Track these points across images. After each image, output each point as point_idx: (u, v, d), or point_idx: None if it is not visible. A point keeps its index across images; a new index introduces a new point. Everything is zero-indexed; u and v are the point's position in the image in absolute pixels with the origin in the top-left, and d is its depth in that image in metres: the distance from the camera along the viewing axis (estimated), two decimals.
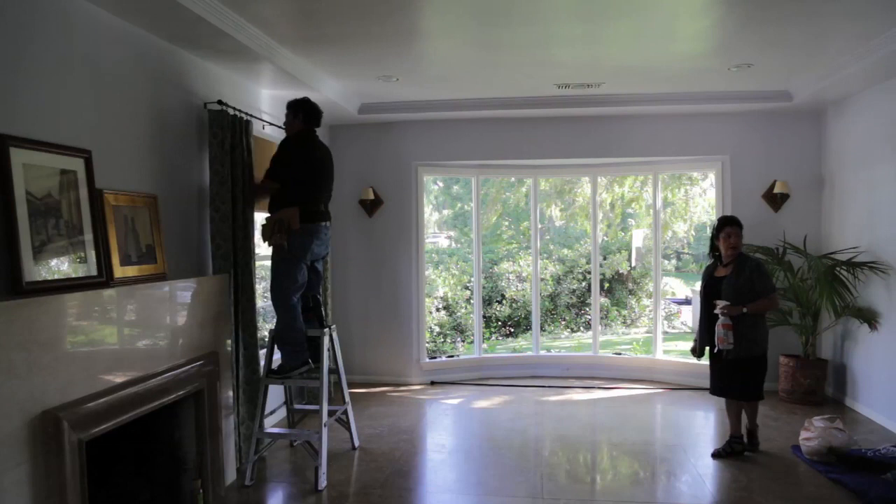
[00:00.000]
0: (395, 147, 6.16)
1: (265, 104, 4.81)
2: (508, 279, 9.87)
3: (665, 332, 8.35)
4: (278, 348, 3.96)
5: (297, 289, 3.87)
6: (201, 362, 3.42)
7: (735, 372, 4.06)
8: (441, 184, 10.41)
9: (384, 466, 4.07)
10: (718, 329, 4.01)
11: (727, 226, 4.16)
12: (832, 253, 5.32)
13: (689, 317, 10.79)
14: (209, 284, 3.63)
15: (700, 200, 10.05)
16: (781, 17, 3.60)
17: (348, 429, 4.40)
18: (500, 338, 9.63)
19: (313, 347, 3.95)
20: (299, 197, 3.80)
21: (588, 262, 9.02)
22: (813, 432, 4.08)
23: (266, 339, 4.10)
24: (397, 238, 6.22)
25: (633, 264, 10.27)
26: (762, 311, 4.05)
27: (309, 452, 4.02)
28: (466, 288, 9.18)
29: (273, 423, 4.72)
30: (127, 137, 3.27)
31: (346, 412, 4.37)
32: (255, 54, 3.86)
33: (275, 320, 3.93)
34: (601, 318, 8.55)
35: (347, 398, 4.42)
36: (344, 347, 4.95)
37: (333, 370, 4.29)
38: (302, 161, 3.84)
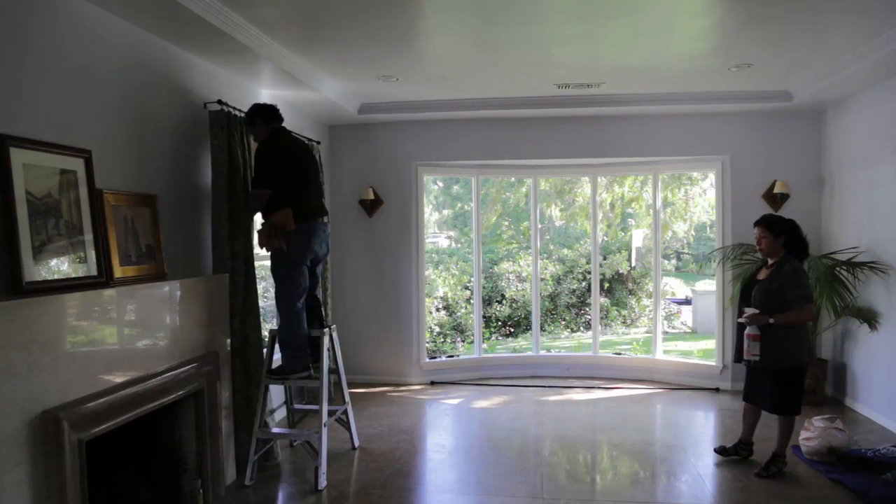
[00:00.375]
0: (394, 147, 6.16)
1: None
2: (508, 279, 9.87)
3: (665, 332, 8.36)
4: (280, 350, 3.95)
5: (300, 293, 3.83)
6: (201, 362, 3.42)
7: (766, 381, 3.82)
8: (441, 184, 10.41)
9: (384, 466, 4.07)
10: (745, 339, 3.75)
11: (755, 227, 3.91)
12: (832, 253, 5.32)
13: (689, 317, 10.80)
14: (209, 284, 3.63)
15: (700, 200, 10.05)
16: (782, 15, 3.59)
17: (348, 429, 4.40)
18: (500, 338, 9.63)
19: (313, 347, 3.95)
20: (289, 197, 3.72)
21: (588, 262, 9.02)
22: (813, 432, 4.07)
23: (266, 339, 4.10)
24: (397, 238, 6.22)
25: (633, 264, 10.27)
26: (792, 322, 3.69)
27: (309, 452, 4.02)
28: (466, 288, 9.18)
29: (273, 423, 4.71)
30: (127, 137, 3.27)
31: (346, 412, 4.37)
32: (255, 54, 3.86)
33: (275, 320, 3.92)
34: (601, 318, 8.55)
35: (347, 398, 4.42)
36: (344, 347, 4.95)
37: (333, 370, 4.29)
38: (280, 162, 3.75)
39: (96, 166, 2.93)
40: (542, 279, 9.31)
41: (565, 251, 10.28)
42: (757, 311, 3.74)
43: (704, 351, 8.16)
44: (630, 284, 10.19)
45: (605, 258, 9.89)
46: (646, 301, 9.97)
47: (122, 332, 2.89)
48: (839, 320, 5.22)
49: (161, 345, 3.17)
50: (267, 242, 3.73)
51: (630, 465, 4.21)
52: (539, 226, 7.35)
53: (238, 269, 3.94)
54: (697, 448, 4.43)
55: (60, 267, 2.70)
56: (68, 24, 2.86)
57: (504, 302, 9.75)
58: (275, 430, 4.25)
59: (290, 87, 4.59)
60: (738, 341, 3.90)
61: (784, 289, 3.72)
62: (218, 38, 3.55)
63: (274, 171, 3.75)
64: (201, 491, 3.32)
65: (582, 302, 9.85)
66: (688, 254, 11.75)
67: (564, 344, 9.50)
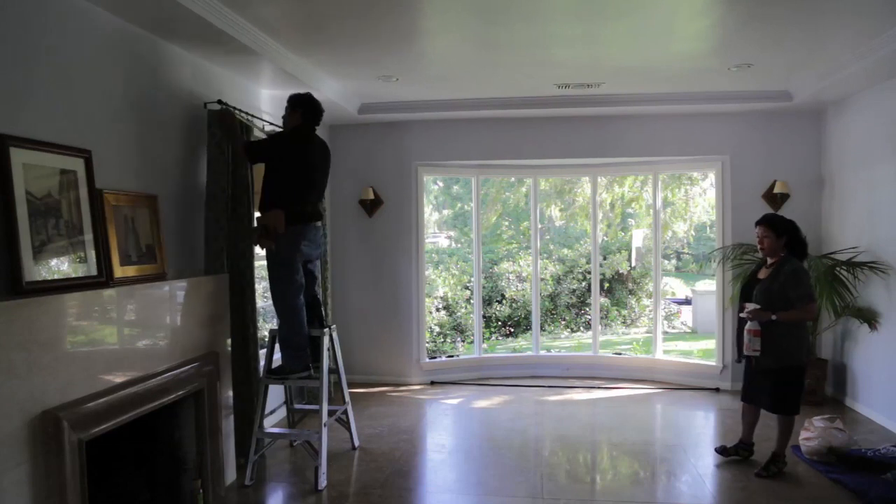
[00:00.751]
0: (395, 147, 6.16)
1: (265, 104, 4.81)
2: (508, 279, 9.87)
3: (665, 332, 8.36)
4: (280, 350, 3.95)
5: (296, 291, 3.82)
6: (201, 362, 3.42)
7: (765, 381, 3.82)
8: (441, 184, 10.41)
9: (384, 466, 4.07)
10: (746, 334, 3.76)
11: (756, 226, 3.92)
12: (832, 253, 5.32)
13: (689, 317, 10.80)
14: (209, 284, 3.63)
15: (700, 200, 10.06)
16: (782, 15, 3.59)
17: (348, 429, 4.40)
18: (500, 338, 9.63)
19: (313, 347, 3.94)
20: (286, 198, 3.71)
21: (588, 262, 9.02)
22: (813, 432, 4.07)
23: (266, 339, 4.10)
24: (397, 238, 6.22)
25: (633, 264, 10.28)
26: (794, 321, 3.72)
27: (309, 452, 4.02)
28: (466, 288, 9.18)
29: (273, 423, 4.72)
30: (127, 137, 3.27)
31: (346, 412, 4.37)
32: (255, 54, 3.86)
33: (276, 320, 3.92)
34: (601, 318, 8.56)
35: (347, 398, 4.42)
36: (344, 347, 4.95)
37: (333, 370, 4.29)
38: (294, 159, 3.75)
39: (96, 166, 2.93)
40: (542, 279, 9.32)
41: (565, 251, 10.28)
42: (758, 307, 3.74)
43: (704, 351, 8.16)
44: (630, 284, 10.19)
45: (605, 258, 9.89)
46: (646, 301, 9.97)
47: (122, 332, 2.89)
48: (839, 320, 5.22)
49: (161, 345, 3.17)
50: (258, 241, 3.79)
51: (630, 465, 4.21)
52: (539, 226, 7.35)
53: (237, 268, 3.94)
54: (697, 448, 4.43)
55: (60, 267, 2.70)
56: (68, 24, 2.86)
57: (504, 302, 9.75)
58: (275, 430, 4.26)
59: (291, 86, 4.58)
60: (739, 339, 3.90)
61: (786, 288, 3.71)
62: (218, 38, 3.55)
63: (282, 162, 3.75)
64: (201, 491, 3.32)
65: (582, 302, 9.85)
66: (688, 254, 11.75)
67: (564, 344, 9.50)
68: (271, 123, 4.72)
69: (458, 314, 9.10)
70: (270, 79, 4.49)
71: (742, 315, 3.85)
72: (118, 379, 2.81)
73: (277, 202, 3.71)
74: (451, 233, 10.92)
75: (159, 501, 3.36)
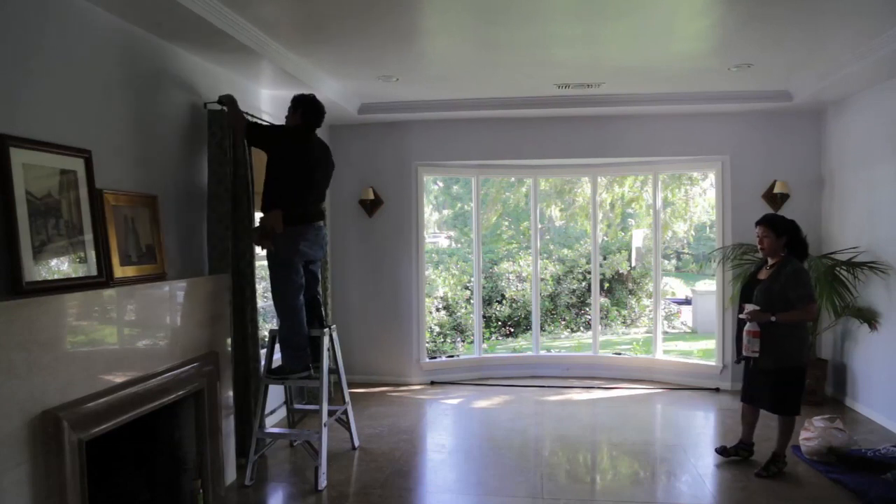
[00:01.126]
0: (395, 147, 6.16)
1: (265, 104, 4.81)
2: (508, 279, 9.87)
3: (665, 332, 8.36)
4: (280, 350, 3.96)
5: (296, 291, 3.82)
6: (201, 362, 3.42)
7: (765, 381, 3.81)
8: (441, 184, 10.41)
9: (384, 466, 4.07)
10: (745, 335, 3.75)
11: (756, 226, 3.91)
12: (832, 253, 5.32)
13: (689, 317, 10.80)
14: (209, 284, 3.63)
15: (700, 200, 10.06)
16: (782, 15, 3.59)
17: (348, 429, 4.40)
18: (500, 338, 9.63)
19: (313, 347, 3.94)
20: (285, 198, 3.71)
21: (588, 262, 9.02)
22: (813, 432, 4.07)
23: (266, 339, 4.10)
24: (397, 238, 6.21)
25: (633, 264, 10.28)
26: (794, 321, 3.70)
27: (309, 452, 4.02)
28: (466, 288, 9.18)
29: (273, 423, 4.72)
30: (127, 137, 3.27)
31: (346, 412, 4.37)
32: (256, 54, 3.86)
33: (276, 320, 3.92)
34: (601, 318, 8.56)
35: (347, 398, 4.42)
36: (344, 347, 4.95)
37: (333, 370, 4.29)
38: (293, 159, 3.75)
39: (96, 166, 2.93)
40: (542, 279, 9.32)
41: (565, 251, 10.28)
42: (758, 308, 3.74)
43: (704, 351, 8.16)
44: (630, 284, 10.19)
45: (605, 258, 9.89)
46: (646, 301, 9.97)
47: (122, 332, 2.89)
48: (839, 320, 5.22)
49: (161, 345, 3.17)
50: (258, 242, 3.80)
51: (630, 465, 4.21)
52: (539, 226, 7.35)
53: (237, 268, 3.94)
54: (697, 448, 4.43)
55: (60, 267, 2.70)
56: (68, 24, 2.86)
57: (504, 302, 9.75)
58: (275, 430, 4.25)
59: (291, 86, 4.59)
60: (738, 340, 3.90)
61: (786, 289, 3.71)
62: (218, 38, 3.55)
63: (277, 159, 3.76)
64: (201, 491, 3.32)
65: (582, 302, 9.85)
66: (688, 254, 11.76)
67: (564, 344, 9.50)
68: (271, 124, 4.72)
69: (458, 314, 9.10)
70: (270, 79, 4.49)
71: (741, 316, 3.84)
72: (118, 379, 2.81)
73: (277, 202, 3.71)
74: (451, 233, 10.92)
75: (159, 501, 3.36)
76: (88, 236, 2.86)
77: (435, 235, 10.59)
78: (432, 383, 6.27)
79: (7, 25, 2.53)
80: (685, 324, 10.72)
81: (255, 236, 3.82)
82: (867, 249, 4.99)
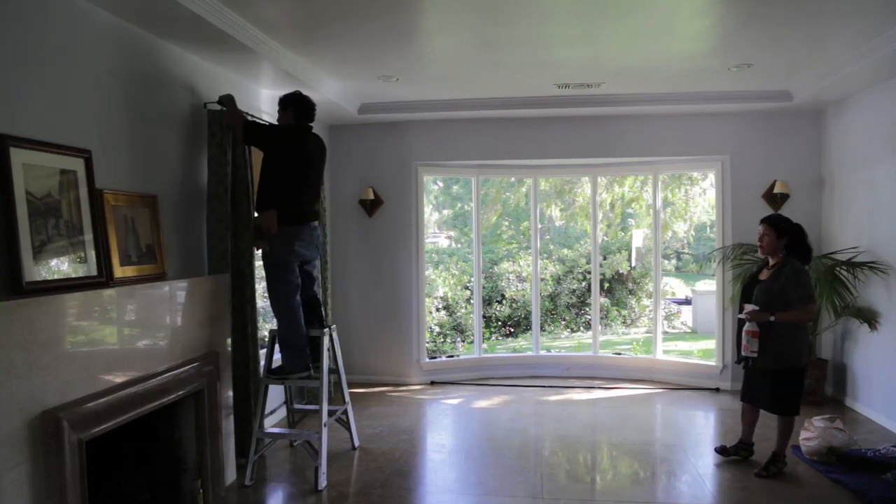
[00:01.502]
0: (395, 147, 6.16)
1: (265, 104, 4.81)
2: (508, 279, 9.87)
3: (665, 332, 8.36)
4: (280, 350, 3.96)
5: (292, 291, 3.82)
6: (201, 362, 3.42)
7: (765, 381, 3.81)
8: (441, 184, 10.40)
9: (384, 466, 4.07)
10: (744, 335, 3.76)
11: (760, 224, 3.90)
12: (832, 253, 5.32)
13: (689, 317, 10.80)
14: (209, 284, 3.63)
15: (700, 200, 10.06)
16: (782, 15, 3.59)
17: (348, 429, 4.40)
18: (500, 338, 9.63)
19: (313, 347, 3.94)
20: (280, 198, 3.71)
21: (588, 262, 9.02)
22: (813, 432, 4.07)
23: (266, 339, 4.10)
24: (397, 238, 6.21)
25: (633, 264, 10.27)
26: (793, 321, 3.69)
27: (309, 452, 4.02)
28: (466, 288, 9.18)
29: (273, 423, 4.72)
30: (127, 137, 3.27)
31: (346, 412, 4.37)
32: (255, 54, 3.86)
33: (275, 321, 3.92)
34: (601, 318, 8.55)
35: (347, 398, 4.42)
36: (344, 347, 4.95)
37: (333, 370, 4.29)
38: (289, 158, 3.74)
39: (96, 166, 2.93)
40: (542, 279, 9.31)
41: (565, 251, 10.28)
42: (757, 308, 3.74)
43: (704, 351, 8.16)
44: (630, 284, 10.19)
45: (605, 258, 9.89)
46: (646, 301, 9.97)
47: (122, 332, 2.89)
48: (839, 320, 5.22)
49: (161, 345, 3.17)
50: (252, 242, 3.82)
51: (630, 465, 4.21)
52: (539, 226, 7.35)
53: (237, 268, 3.94)
54: (697, 448, 4.43)
55: (60, 267, 2.70)
56: (68, 24, 2.86)
57: (504, 302, 9.75)
58: (275, 430, 4.25)
59: (291, 86, 4.57)
60: (738, 340, 3.90)
61: (786, 289, 3.71)
62: (218, 38, 3.55)
63: (273, 158, 3.75)
64: (201, 491, 3.32)
65: (582, 302, 9.85)
66: (688, 254, 11.75)
67: (564, 344, 9.50)
68: (271, 123, 4.72)
69: (458, 314, 9.10)
70: (270, 78, 4.49)
71: (741, 316, 3.85)
72: (118, 379, 2.81)
73: (272, 202, 3.71)
74: (451, 233, 10.92)
75: (159, 501, 3.35)
76: (88, 236, 2.86)
77: (435, 235, 10.59)
78: (432, 383, 6.27)
79: (7, 25, 2.53)
80: (685, 324, 10.72)
81: (250, 237, 3.83)
82: (867, 249, 4.99)
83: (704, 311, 9.59)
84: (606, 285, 10.01)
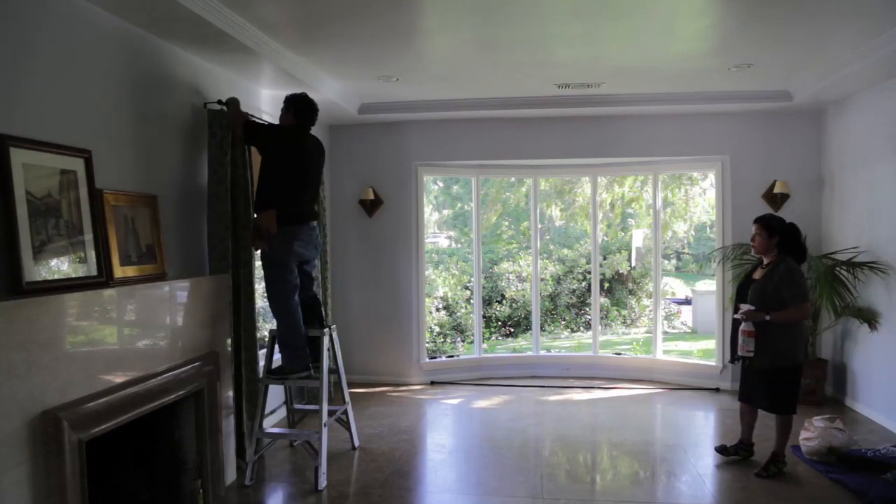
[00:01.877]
0: (395, 147, 6.16)
1: (265, 104, 4.81)
2: (508, 279, 9.87)
3: (665, 332, 8.36)
4: (280, 350, 3.96)
5: (291, 291, 3.82)
6: (201, 362, 3.42)
7: (762, 381, 3.82)
8: (441, 184, 10.41)
9: (384, 466, 4.07)
10: (740, 335, 3.77)
11: (752, 224, 3.92)
12: (832, 253, 5.32)
13: (689, 317, 10.80)
14: (209, 284, 3.63)
15: (700, 200, 10.06)
16: (782, 15, 3.59)
17: (348, 429, 4.40)
18: (500, 338, 9.63)
19: (313, 347, 3.95)
20: (279, 198, 3.71)
21: (588, 262, 9.02)
22: (813, 432, 4.07)
23: (266, 339, 4.10)
24: (397, 238, 6.22)
25: (633, 264, 10.27)
26: (787, 321, 3.70)
27: (309, 452, 4.02)
28: (466, 288, 9.18)
29: (273, 423, 4.72)
30: (127, 137, 3.27)
31: (346, 412, 4.37)
32: (255, 54, 3.86)
33: (275, 321, 3.92)
34: (601, 318, 8.55)
35: (347, 398, 4.42)
36: (344, 347, 4.95)
37: (333, 370, 4.29)
38: (288, 158, 3.75)
39: (96, 166, 2.93)
40: (542, 279, 9.31)
41: (565, 251, 10.28)
42: (752, 308, 3.75)
43: (704, 351, 8.16)
44: (630, 284, 10.19)
45: (605, 258, 9.89)
46: (646, 301, 9.97)
47: (122, 332, 2.89)
48: (839, 320, 5.22)
49: (161, 345, 3.17)
50: (251, 242, 3.81)
51: (630, 465, 4.21)
52: (539, 226, 7.35)
53: (237, 268, 3.94)
54: (697, 448, 4.43)
55: (60, 267, 2.70)
56: (68, 24, 2.86)
57: (504, 302, 9.75)
58: (275, 430, 4.25)
59: (291, 86, 4.59)
60: (734, 340, 3.91)
61: (780, 288, 3.72)
62: (218, 38, 3.55)
63: (272, 158, 3.75)
64: (201, 491, 3.32)
65: (582, 302, 9.85)
66: (688, 254, 11.76)
67: (564, 344, 9.50)
68: (269, 123, 4.72)
69: (458, 314, 9.10)
70: (271, 79, 4.49)
71: (736, 316, 3.85)
72: (118, 379, 2.81)
73: (271, 202, 3.71)
74: (451, 233, 10.92)
75: (159, 501, 3.35)
76: (88, 236, 2.86)
77: (435, 235, 10.59)
78: (432, 383, 6.27)
79: (7, 25, 2.52)
80: (685, 324, 10.72)
81: (249, 237, 3.83)
82: (867, 249, 4.99)
83: (704, 311, 9.59)
84: (606, 285, 10.01)
